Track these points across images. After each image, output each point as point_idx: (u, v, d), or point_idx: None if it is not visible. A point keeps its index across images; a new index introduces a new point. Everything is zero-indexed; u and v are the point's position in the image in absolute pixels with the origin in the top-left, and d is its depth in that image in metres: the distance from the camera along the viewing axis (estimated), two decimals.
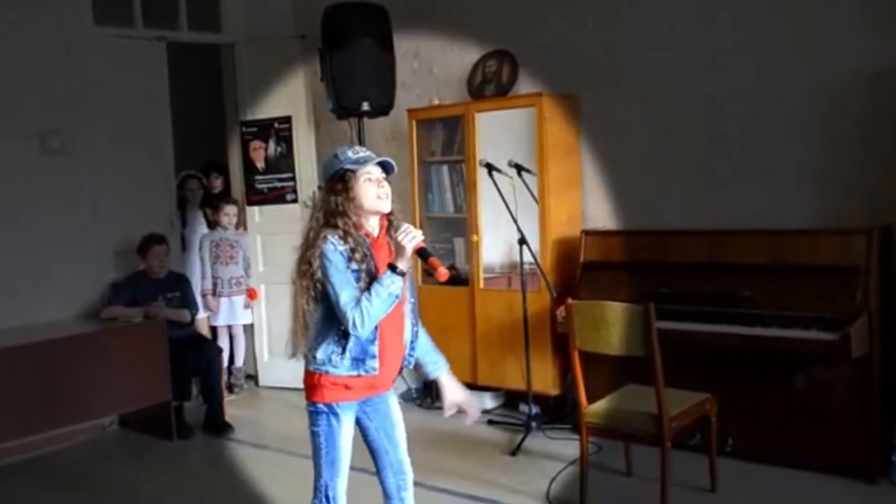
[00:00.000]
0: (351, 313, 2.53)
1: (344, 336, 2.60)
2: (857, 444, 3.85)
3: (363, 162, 2.64)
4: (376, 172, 2.66)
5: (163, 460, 4.86)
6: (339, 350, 2.61)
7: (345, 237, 2.58)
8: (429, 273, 2.68)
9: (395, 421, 2.82)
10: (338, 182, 2.63)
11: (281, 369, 6.17)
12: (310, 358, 2.66)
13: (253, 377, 6.37)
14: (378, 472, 2.85)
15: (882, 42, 4.00)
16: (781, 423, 4.04)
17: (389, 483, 2.83)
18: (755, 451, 4.08)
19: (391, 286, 2.53)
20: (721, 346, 4.04)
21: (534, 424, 4.73)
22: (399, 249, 2.55)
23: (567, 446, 4.48)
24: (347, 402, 2.68)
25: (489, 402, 5.31)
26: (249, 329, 6.27)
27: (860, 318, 3.75)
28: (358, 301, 2.53)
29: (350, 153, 2.67)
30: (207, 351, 5.37)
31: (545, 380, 4.90)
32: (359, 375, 2.64)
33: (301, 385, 6.05)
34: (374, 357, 2.64)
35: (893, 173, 3.95)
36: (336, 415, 2.66)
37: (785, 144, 4.37)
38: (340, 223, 2.59)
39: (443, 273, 2.56)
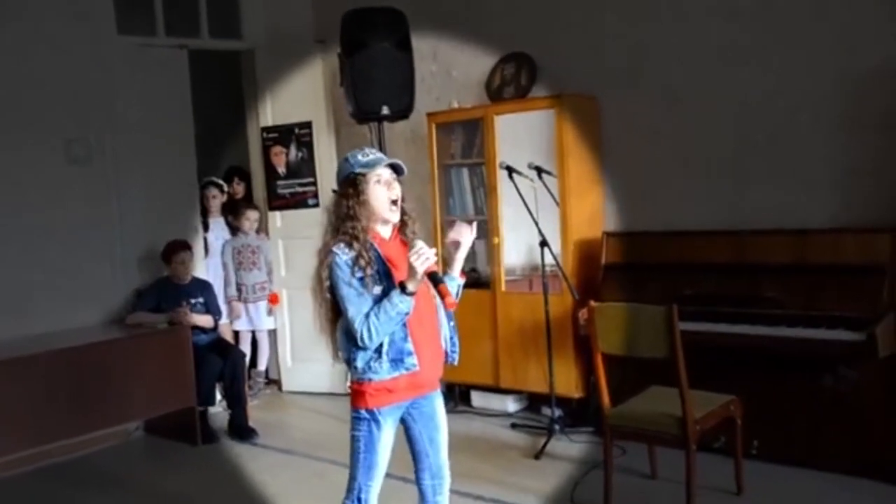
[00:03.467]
0: (359, 327, 2.56)
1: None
2: (884, 445, 3.79)
3: (372, 165, 2.66)
4: (386, 174, 2.68)
5: (188, 465, 4.89)
6: (376, 356, 2.63)
7: (350, 243, 2.60)
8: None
9: (438, 424, 2.84)
10: (349, 186, 2.66)
11: (304, 374, 6.22)
12: (352, 368, 2.70)
13: (276, 382, 6.40)
14: (416, 473, 2.87)
15: None
16: (807, 425, 4.00)
17: (426, 485, 2.85)
18: (781, 453, 4.04)
19: (399, 305, 2.54)
20: (745, 348, 4.01)
21: (557, 427, 4.71)
22: (411, 271, 2.55)
23: (590, 449, 4.47)
24: (390, 406, 2.69)
25: (512, 405, 5.31)
26: (272, 334, 6.30)
27: (886, 318, 3.72)
28: (366, 316, 2.55)
29: (360, 156, 2.68)
30: (231, 356, 5.40)
31: (568, 382, 4.88)
32: (400, 375, 2.65)
33: (324, 390, 6.12)
34: (411, 353, 2.66)
35: None
36: (377, 422, 2.68)
37: (808, 143, 4.33)
38: (349, 227, 2.61)
39: (450, 303, 2.58)
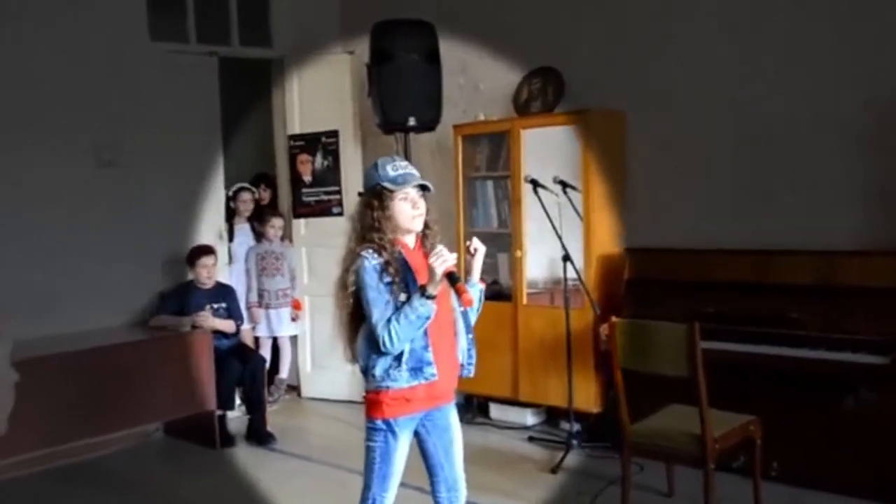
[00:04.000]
0: (381, 332, 2.57)
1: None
2: None
3: (401, 183, 2.67)
4: (413, 193, 2.70)
5: (206, 468, 4.92)
6: (396, 363, 2.64)
7: (379, 251, 2.62)
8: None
9: (453, 436, 2.85)
10: (374, 198, 2.68)
11: (323, 381, 6.24)
12: (369, 377, 2.70)
13: (295, 388, 6.43)
14: (431, 486, 2.87)
15: None
16: (828, 448, 3.96)
17: (441, 497, 2.86)
18: (801, 475, 4.00)
19: (420, 308, 2.56)
20: (767, 368, 3.99)
21: (575, 442, 4.70)
22: (431, 274, 2.56)
23: (608, 465, 4.44)
24: (407, 416, 2.70)
25: (530, 418, 5.30)
26: (293, 340, 6.33)
27: None
28: (388, 321, 2.57)
29: (389, 169, 2.69)
30: (252, 361, 5.44)
31: (587, 397, 4.87)
32: (419, 384, 2.67)
33: (343, 397, 6.13)
34: (430, 363, 2.67)
35: None
36: (394, 432, 2.70)
37: (834, 163, 4.32)
38: (376, 238, 2.64)
39: (466, 300, 2.58)
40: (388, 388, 2.66)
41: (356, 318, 2.71)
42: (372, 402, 2.72)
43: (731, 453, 3.72)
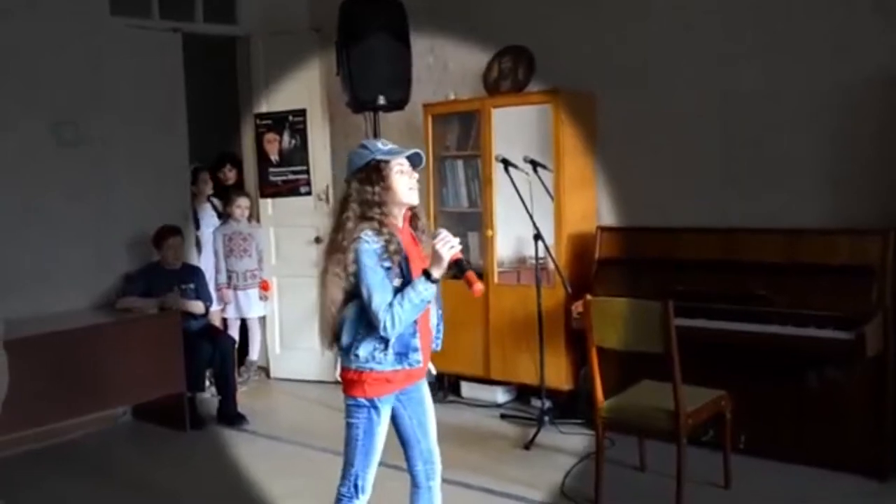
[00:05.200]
0: (383, 316, 2.54)
1: None
2: (869, 442, 3.88)
3: (396, 153, 2.68)
4: (407, 165, 2.70)
5: (176, 450, 4.89)
6: (382, 346, 2.63)
7: (380, 229, 2.60)
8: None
9: (426, 409, 2.86)
10: (372, 172, 2.65)
11: (293, 361, 6.23)
12: (351, 357, 2.67)
13: (264, 369, 6.40)
14: (407, 461, 2.88)
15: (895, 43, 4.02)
16: (795, 421, 4.07)
17: (419, 471, 2.87)
18: (768, 448, 4.11)
19: (424, 292, 2.55)
20: (735, 344, 4.07)
21: (546, 419, 4.76)
22: (436, 258, 2.54)
23: (579, 441, 4.52)
24: (387, 395, 2.71)
25: (501, 396, 5.35)
26: (262, 321, 6.29)
27: (875, 318, 3.79)
28: (390, 305, 2.54)
29: (380, 145, 2.70)
30: (221, 343, 5.40)
31: (558, 375, 4.93)
32: (402, 369, 2.68)
33: (312, 377, 6.13)
34: (416, 350, 2.68)
35: None
36: (377, 409, 2.69)
37: (801, 144, 4.40)
38: (377, 213, 2.61)
39: (478, 289, 2.55)
40: (371, 369, 2.65)
41: (350, 299, 2.67)
42: (352, 381, 2.70)
43: (701, 427, 3.80)
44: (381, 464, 2.82)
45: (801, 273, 4.06)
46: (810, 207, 4.35)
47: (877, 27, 4.12)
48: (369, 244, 2.58)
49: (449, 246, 2.53)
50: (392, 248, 2.59)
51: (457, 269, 2.58)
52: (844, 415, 3.94)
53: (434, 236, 2.59)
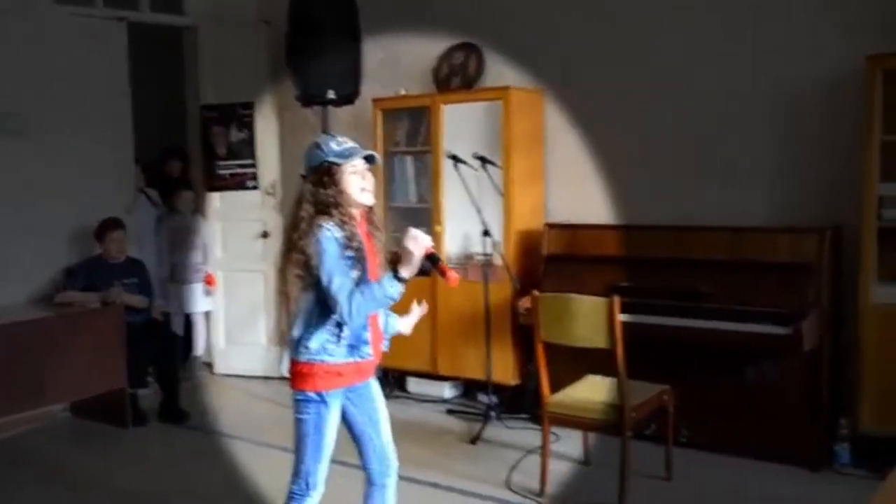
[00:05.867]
0: (345, 302, 2.52)
1: (339, 324, 2.61)
2: (804, 434, 4.00)
3: (348, 156, 2.64)
4: (361, 165, 2.67)
5: (118, 448, 4.79)
6: (335, 339, 2.62)
7: (342, 225, 2.59)
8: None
9: (378, 406, 2.85)
10: (324, 175, 2.63)
11: (237, 357, 6.16)
12: (301, 349, 2.65)
13: (208, 365, 6.32)
14: (361, 458, 2.87)
15: (840, 48, 4.14)
16: (735, 414, 4.17)
17: (373, 469, 2.85)
18: (709, 441, 4.20)
19: (390, 290, 2.52)
20: (679, 340, 4.15)
21: (493, 414, 4.79)
22: (407, 255, 2.51)
23: (525, 435, 4.56)
24: (337, 389, 2.69)
25: (448, 391, 5.37)
26: (206, 316, 6.21)
27: (812, 314, 3.91)
28: (352, 292, 2.53)
29: (334, 145, 2.66)
30: (165, 338, 5.32)
31: (505, 370, 4.97)
32: (354, 362, 2.66)
33: (257, 373, 6.05)
34: (367, 343, 2.67)
35: (845, 176, 4.09)
36: (326, 403, 2.67)
37: (747, 145, 4.50)
38: (336, 213, 2.59)
39: (453, 278, 2.54)
40: (322, 361, 2.63)
41: (309, 291, 2.64)
42: (302, 374, 2.67)
43: (644, 421, 3.87)
44: (336, 461, 2.80)
45: (744, 270, 4.16)
46: (754, 207, 4.46)
47: (818, 32, 4.23)
48: (332, 232, 2.56)
49: (420, 242, 2.50)
50: (354, 244, 2.58)
51: (429, 262, 2.57)
52: (781, 408, 4.05)
53: (404, 234, 2.53)
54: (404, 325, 2.99)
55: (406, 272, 2.51)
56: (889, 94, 3.81)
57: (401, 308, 2.88)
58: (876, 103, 3.80)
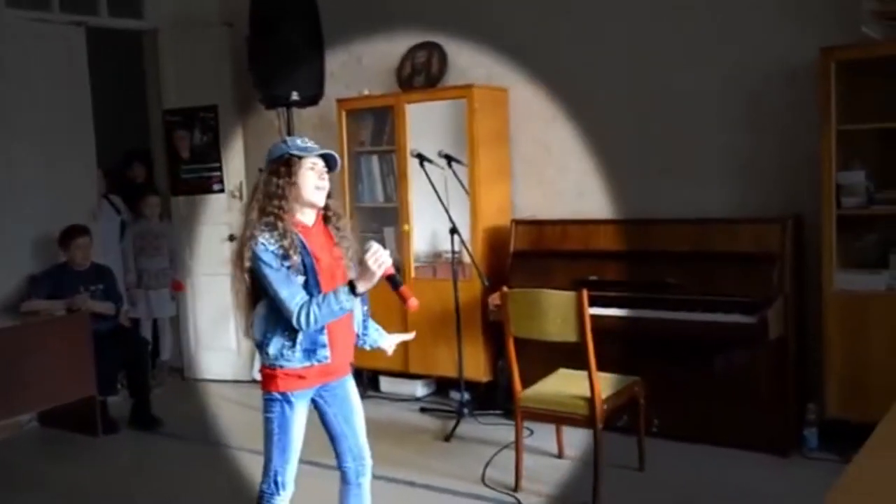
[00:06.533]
0: (296, 311, 2.54)
1: (293, 330, 2.61)
2: (772, 420, 4.07)
3: (310, 151, 2.68)
4: (320, 164, 2.69)
5: (88, 456, 4.74)
6: (290, 344, 2.63)
7: (275, 224, 2.58)
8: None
9: (353, 405, 2.86)
10: (282, 165, 2.65)
11: (208, 362, 6.12)
12: (263, 354, 2.69)
13: (178, 370, 6.27)
14: (337, 457, 2.88)
15: (798, 40, 4.21)
16: (704, 403, 4.23)
17: (348, 468, 2.87)
18: (680, 430, 4.26)
19: (344, 302, 2.54)
20: (648, 331, 4.20)
21: (466, 411, 4.82)
22: (366, 273, 2.51)
23: (499, 431, 4.58)
24: (302, 390, 2.70)
25: (420, 389, 5.39)
26: (175, 322, 6.16)
27: (776, 302, 3.97)
28: (304, 303, 2.54)
29: (299, 142, 2.71)
30: (134, 344, 5.27)
31: (476, 367, 4.99)
32: (312, 366, 2.67)
33: (228, 377, 6.03)
34: (324, 346, 2.67)
35: (805, 166, 4.17)
36: (290, 402, 2.69)
37: (709, 139, 4.56)
38: (275, 206, 2.59)
39: (413, 305, 2.54)
40: (281, 366, 2.66)
41: (252, 295, 2.68)
42: (267, 376, 2.71)
43: (616, 413, 3.91)
44: (310, 462, 2.81)
45: (709, 261, 4.22)
46: (718, 198, 4.52)
47: (776, 21, 4.30)
48: (266, 245, 2.56)
49: (381, 261, 2.50)
50: (286, 243, 2.57)
51: (389, 283, 2.57)
52: (750, 396, 4.11)
53: (365, 250, 2.54)
54: (388, 343, 3.01)
55: (363, 287, 2.53)
56: (843, 84, 3.89)
57: (372, 309, 2.90)
58: (830, 94, 3.87)
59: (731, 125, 4.49)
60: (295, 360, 2.65)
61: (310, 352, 2.65)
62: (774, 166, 4.37)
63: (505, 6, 5.15)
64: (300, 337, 2.62)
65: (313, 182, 2.66)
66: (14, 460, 4.74)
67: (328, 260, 2.68)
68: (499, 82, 5.17)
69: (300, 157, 2.65)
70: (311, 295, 2.58)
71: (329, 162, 2.73)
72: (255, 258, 2.57)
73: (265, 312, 2.66)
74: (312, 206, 2.70)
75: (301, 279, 2.59)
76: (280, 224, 2.59)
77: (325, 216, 2.77)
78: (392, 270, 2.56)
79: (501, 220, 5.07)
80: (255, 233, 2.58)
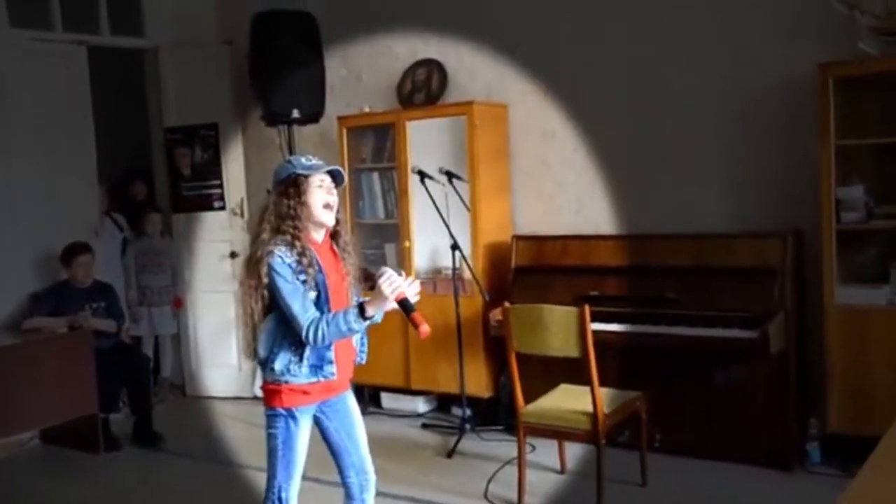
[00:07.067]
0: (306, 327, 2.56)
1: (300, 345, 2.63)
2: (774, 435, 4.07)
3: (316, 169, 2.70)
4: (328, 181, 2.72)
5: (90, 474, 4.74)
6: (297, 359, 2.64)
7: (292, 243, 2.61)
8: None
9: (354, 420, 2.87)
10: (290, 186, 2.67)
11: (209, 379, 6.12)
12: (267, 370, 2.69)
13: (180, 387, 6.27)
14: (340, 473, 2.89)
15: (795, 52, 4.23)
16: (706, 418, 4.23)
17: (352, 483, 2.87)
18: (682, 445, 4.25)
19: (353, 324, 2.55)
20: (648, 346, 4.21)
21: (468, 427, 4.81)
22: (379, 297, 2.52)
23: (501, 447, 4.58)
24: (306, 405, 2.72)
25: (422, 406, 5.38)
26: (176, 338, 6.17)
27: (777, 316, 3.98)
28: (314, 320, 2.56)
29: (304, 160, 2.74)
30: (136, 361, 5.27)
31: (478, 382, 4.99)
32: (317, 381, 2.68)
33: (229, 394, 6.03)
34: (331, 363, 2.68)
35: (804, 180, 4.19)
36: (294, 418, 2.70)
37: (708, 153, 4.58)
38: (290, 227, 2.63)
39: (424, 331, 2.53)
40: (286, 382, 2.67)
41: (267, 311, 2.69)
42: (271, 392, 2.72)
43: (618, 428, 3.92)
44: (314, 479, 2.81)
45: (709, 276, 4.23)
46: (717, 213, 4.54)
47: (776, 39, 4.32)
48: (283, 258, 2.59)
49: (395, 286, 2.51)
50: (305, 261, 2.60)
51: (402, 309, 2.57)
52: (752, 410, 4.12)
53: (379, 275, 2.55)
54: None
55: (372, 310, 2.54)
56: (841, 99, 3.92)
57: (371, 329, 2.90)
58: (829, 110, 3.89)
59: (729, 140, 4.51)
60: (301, 376, 2.66)
61: (316, 367, 2.67)
62: (773, 181, 4.39)
63: (504, 24, 5.17)
64: (307, 352, 2.64)
65: (322, 200, 2.68)
66: (15, 478, 4.73)
67: (335, 277, 2.71)
68: (499, 98, 5.20)
69: (307, 176, 2.67)
70: (321, 311, 2.60)
71: (336, 177, 2.75)
72: (272, 270, 2.59)
73: (273, 326, 2.67)
74: (322, 225, 2.72)
75: (313, 294, 2.61)
76: (297, 243, 2.63)
77: (334, 233, 2.80)
78: (404, 295, 2.55)
79: (502, 236, 5.09)
80: (272, 248, 2.60)
